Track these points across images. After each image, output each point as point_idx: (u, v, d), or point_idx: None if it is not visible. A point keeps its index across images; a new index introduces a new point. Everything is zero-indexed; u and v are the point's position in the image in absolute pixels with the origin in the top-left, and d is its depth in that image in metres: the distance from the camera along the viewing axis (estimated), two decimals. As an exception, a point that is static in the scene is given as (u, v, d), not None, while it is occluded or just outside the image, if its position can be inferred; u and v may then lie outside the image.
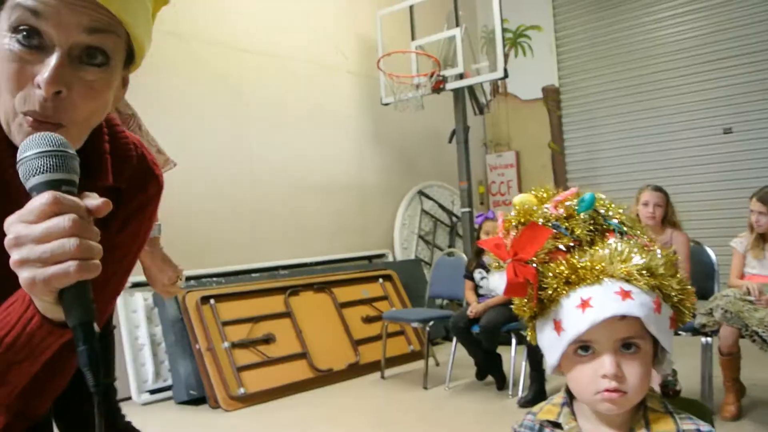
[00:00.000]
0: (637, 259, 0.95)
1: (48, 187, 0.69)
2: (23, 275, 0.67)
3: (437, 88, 5.58)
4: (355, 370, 4.75)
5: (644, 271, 0.94)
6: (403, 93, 5.60)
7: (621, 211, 1.07)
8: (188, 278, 4.55)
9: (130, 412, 1.94)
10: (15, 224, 0.68)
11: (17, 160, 0.70)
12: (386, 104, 5.85)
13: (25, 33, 0.75)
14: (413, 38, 5.84)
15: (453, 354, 4.41)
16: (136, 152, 1.00)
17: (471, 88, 5.92)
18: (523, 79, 7.21)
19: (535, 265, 0.99)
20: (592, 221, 1.03)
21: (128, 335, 4.23)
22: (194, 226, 4.58)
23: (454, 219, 6.77)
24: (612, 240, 1.00)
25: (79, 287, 0.68)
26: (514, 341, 4.13)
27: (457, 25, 5.56)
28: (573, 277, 0.97)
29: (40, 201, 0.67)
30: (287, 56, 5.48)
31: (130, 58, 0.86)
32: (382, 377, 4.69)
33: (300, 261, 5.39)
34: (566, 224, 1.01)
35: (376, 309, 5.21)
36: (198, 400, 4.17)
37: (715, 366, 3.49)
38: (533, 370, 3.90)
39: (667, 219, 3.81)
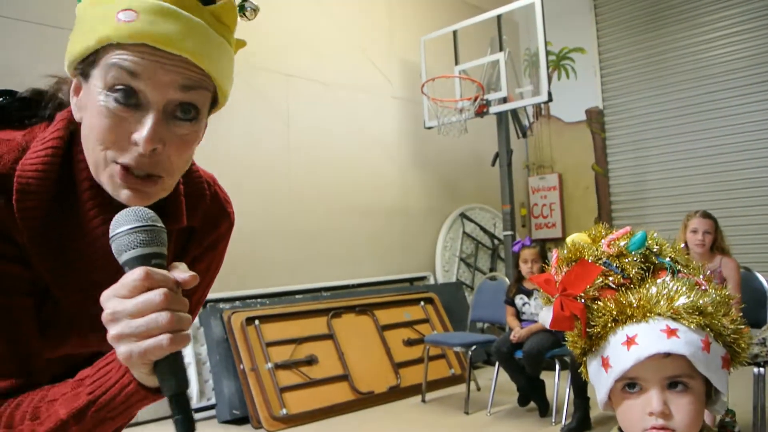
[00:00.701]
0: (684, 299, 0.95)
1: (139, 261, 0.72)
2: (120, 349, 0.70)
3: (481, 112, 5.60)
4: (396, 393, 4.74)
5: (692, 310, 0.94)
6: (447, 117, 5.63)
7: (673, 249, 1.06)
8: (234, 299, 4.64)
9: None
10: (110, 299, 0.71)
11: (110, 235, 0.73)
12: (429, 128, 5.88)
13: (122, 92, 0.78)
14: (457, 63, 5.88)
15: (495, 379, 4.38)
16: (209, 191, 1.03)
17: (514, 111, 5.92)
18: (566, 102, 7.16)
19: (583, 301, 1.00)
20: (643, 259, 1.03)
21: (175, 354, 4.31)
22: (239, 249, 4.65)
23: (496, 242, 6.73)
24: (662, 279, 1.00)
25: (171, 358, 0.72)
26: (558, 367, 4.09)
27: (501, 49, 5.58)
28: (620, 315, 0.97)
29: (132, 277, 0.70)
30: (331, 81, 5.57)
31: (213, 103, 0.90)
32: (423, 401, 4.67)
33: (342, 283, 5.43)
34: (617, 262, 1.01)
35: (418, 332, 5.21)
36: (241, 420, 4.21)
37: (767, 397, 3.39)
38: (577, 397, 3.84)
39: (716, 245, 3.73)
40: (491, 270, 6.59)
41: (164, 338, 0.69)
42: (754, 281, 3.80)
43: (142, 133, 0.77)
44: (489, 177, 6.45)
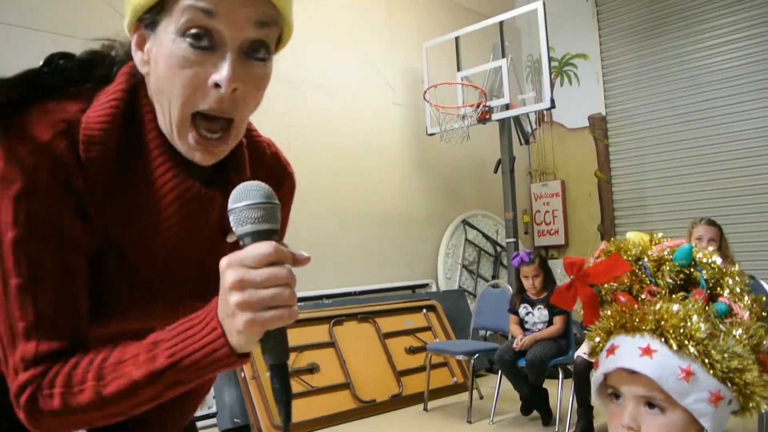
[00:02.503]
0: (703, 329, 0.89)
1: (260, 236, 0.74)
2: (243, 317, 0.71)
3: (483, 118, 5.58)
4: (398, 402, 4.71)
5: (682, 334, 0.89)
6: (449, 124, 5.61)
7: (731, 273, 1.00)
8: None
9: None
10: (236, 268, 0.71)
11: (229, 207, 0.74)
12: (432, 134, 5.87)
13: (196, 35, 0.77)
14: (459, 69, 5.86)
15: (498, 387, 4.35)
16: (270, 150, 1.06)
17: (517, 118, 5.90)
18: (568, 108, 7.15)
19: (598, 291, 1.00)
20: (685, 274, 0.99)
21: (175, 362, 4.29)
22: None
23: (498, 249, 6.71)
24: (685, 298, 0.96)
25: (281, 330, 0.76)
26: (561, 376, 4.06)
27: (503, 55, 5.57)
28: (616, 326, 0.97)
29: (261, 250, 0.72)
30: (334, 88, 5.55)
31: (276, 44, 0.88)
32: (425, 409, 4.64)
33: (344, 290, 5.41)
34: (654, 269, 0.98)
35: (420, 340, 5.18)
36: (242, 428, 4.19)
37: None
38: (581, 406, 3.81)
39: (721, 253, 3.71)
40: (494, 277, 6.56)
41: (285, 311, 0.72)
42: (758, 290, 3.77)
43: (222, 73, 0.77)
44: (491, 184, 6.44)
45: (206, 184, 0.87)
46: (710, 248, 3.07)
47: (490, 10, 6.65)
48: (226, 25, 0.77)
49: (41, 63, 0.85)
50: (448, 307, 5.67)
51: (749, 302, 0.97)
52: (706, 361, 0.89)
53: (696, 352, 0.89)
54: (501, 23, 5.63)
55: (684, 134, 6.44)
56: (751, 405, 0.91)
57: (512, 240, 5.72)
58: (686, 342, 0.89)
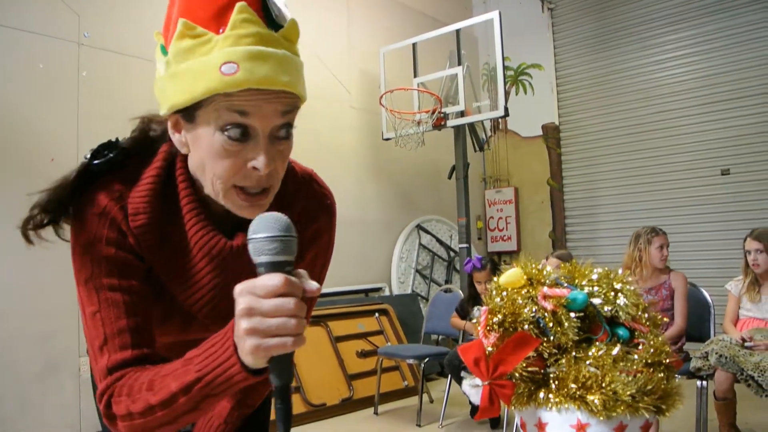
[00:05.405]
0: (630, 382, 0.88)
1: (275, 267, 0.80)
2: (249, 341, 0.79)
3: (438, 124, 5.63)
4: (348, 406, 4.71)
5: (607, 404, 0.88)
6: (405, 129, 5.64)
7: (623, 290, 0.99)
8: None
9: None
10: (246, 295, 0.79)
11: (248, 238, 0.81)
12: (387, 139, 5.89)
13: (235, 130, 0.90)
14: (415, 75, 5.90)
15: (447, 391, 4.38)
16: (305, 186, 1.17)
17: (471, 125, 5.96)
18: (523, 117, 7.28)
19: (512, 379, 0.95)
20: (582, 316, 0.97)
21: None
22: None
23: (452, 254, 6.77)
24: (595, 346, 0.94)
25: (287, 356, 0.81)
26: (509, 380, 4.10)
27: (459, 63, 5.63)
28: (535, 396, 0.93)
29: (273, 281, 0.78)
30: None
31: None
32: (376, 413, 4.65)
33: (297, 293, 5.36)
34: (553, 324, 0.94)
35: (372, 343, 5.19)
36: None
37: (710, 410, 3.46)
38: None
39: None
40: (447, 282, 6.62)
41: (289, 340, 0.78)
42: (698, 296, 3.90)
43: (260, 160, 0.91)
44: (446, 189, 6.49)
45: (238, 230, 1.01)
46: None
47: (448, 17, 6.73)
48: (257, 120, 0.90)
49: (89, 155, 1.02)
50: (400, 311, 5.69)
51: (644, 315, 0.98)
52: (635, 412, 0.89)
53: (625, 409, 0.88)
54: (458, 31, 5.69)
55: (633, 145, 6.62)
56: (666, 412, 0.92)
57: (465, 245, 5.78)
58: (615, 407, 0.88)
